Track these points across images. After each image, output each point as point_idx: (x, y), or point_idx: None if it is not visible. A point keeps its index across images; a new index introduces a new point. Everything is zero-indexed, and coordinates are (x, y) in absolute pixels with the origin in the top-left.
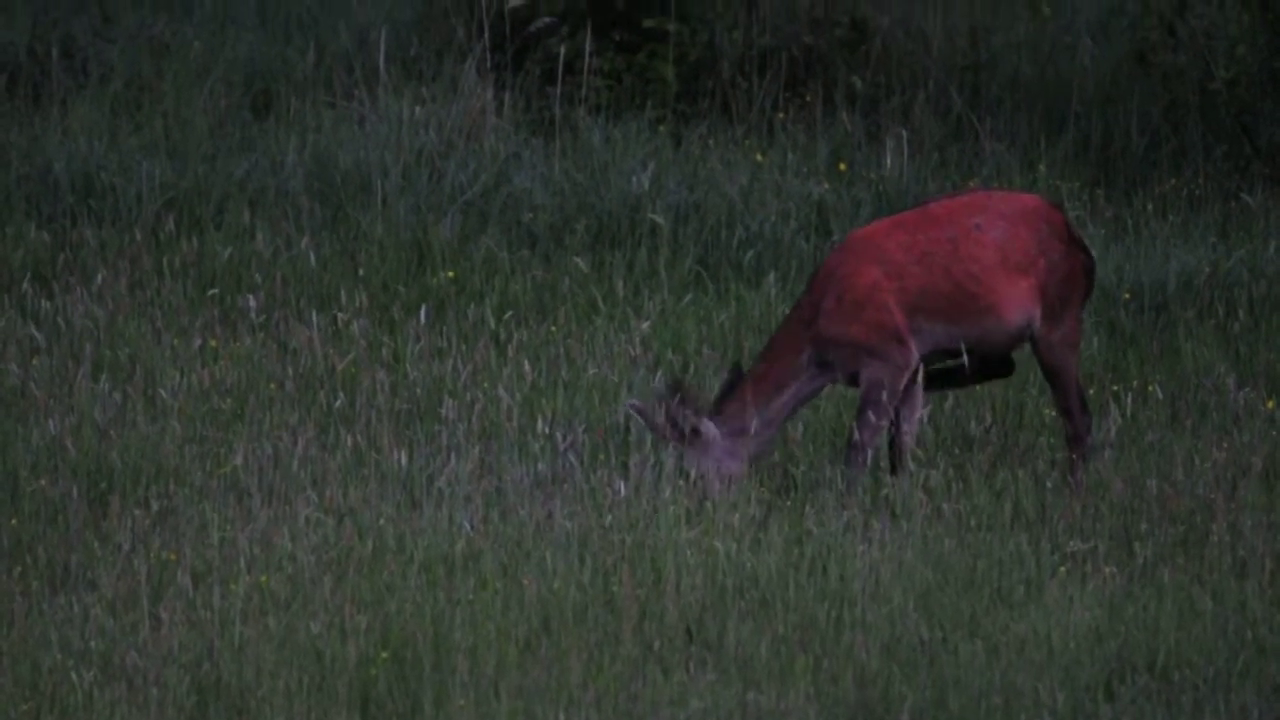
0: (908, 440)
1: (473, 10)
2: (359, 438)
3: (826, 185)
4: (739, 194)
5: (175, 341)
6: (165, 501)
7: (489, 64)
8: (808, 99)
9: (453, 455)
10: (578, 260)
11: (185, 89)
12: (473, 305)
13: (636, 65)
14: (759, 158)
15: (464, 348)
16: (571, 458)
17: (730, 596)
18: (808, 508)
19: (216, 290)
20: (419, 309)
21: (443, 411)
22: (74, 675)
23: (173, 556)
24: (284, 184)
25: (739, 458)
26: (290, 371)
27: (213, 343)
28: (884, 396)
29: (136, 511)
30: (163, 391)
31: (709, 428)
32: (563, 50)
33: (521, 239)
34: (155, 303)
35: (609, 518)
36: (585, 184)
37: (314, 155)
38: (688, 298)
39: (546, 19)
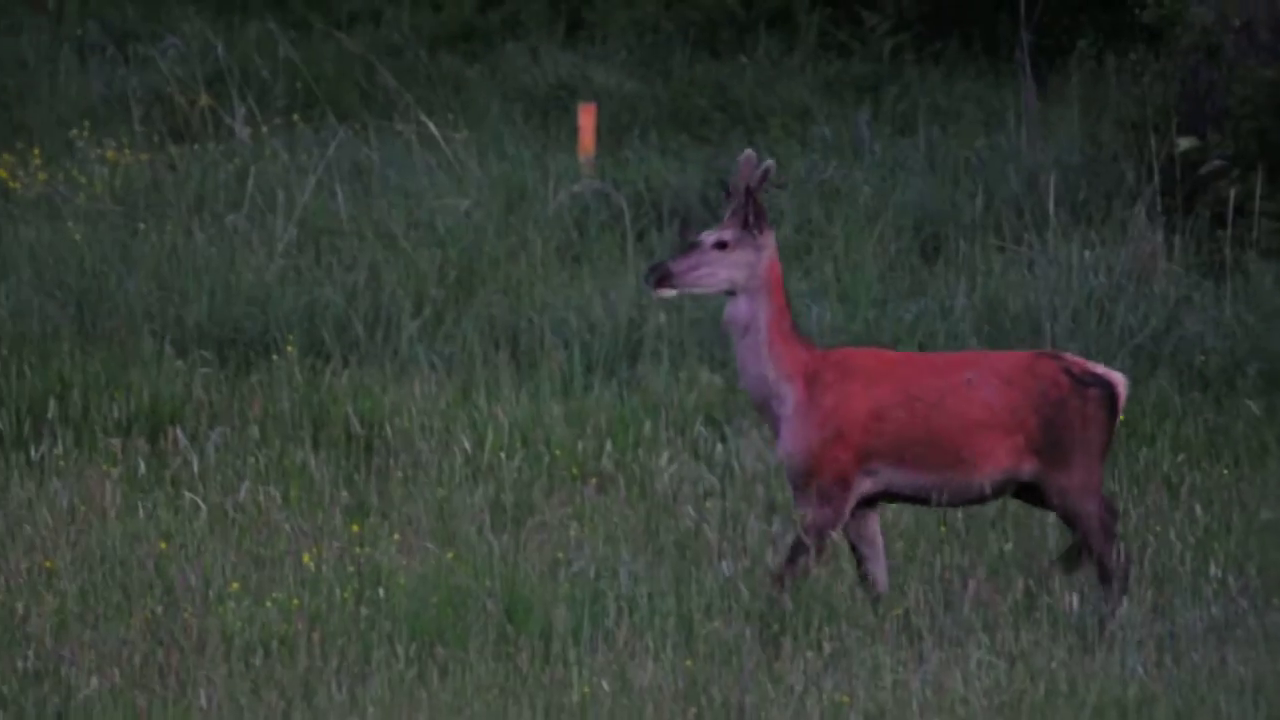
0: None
1: (1142, 154)
2: (1030, 580)
3: None
4: None
5: None
6: (837, 643)
7: (1159, 207)
8: None
9: (1125, 599)
10: (1250, 403)
11: (855, 234)
12: (1144, 448)
13: None
14: None
15: (1135, 491)
16: (1244, 601)
17: None
18: None
19: None
20: None
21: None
22: None
23: (845, 699)
24: (954, 327)
25: (741, 304)
26: (960, 513)
27: None
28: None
29: (809, 653)
30: (835, 536)
31: (770, 241)
32: (1233, 193)
33: (1192, 381)
34: None
35: None
36: (1257, 327)
37: (983, 298)
38: None
39: (1217, 161)
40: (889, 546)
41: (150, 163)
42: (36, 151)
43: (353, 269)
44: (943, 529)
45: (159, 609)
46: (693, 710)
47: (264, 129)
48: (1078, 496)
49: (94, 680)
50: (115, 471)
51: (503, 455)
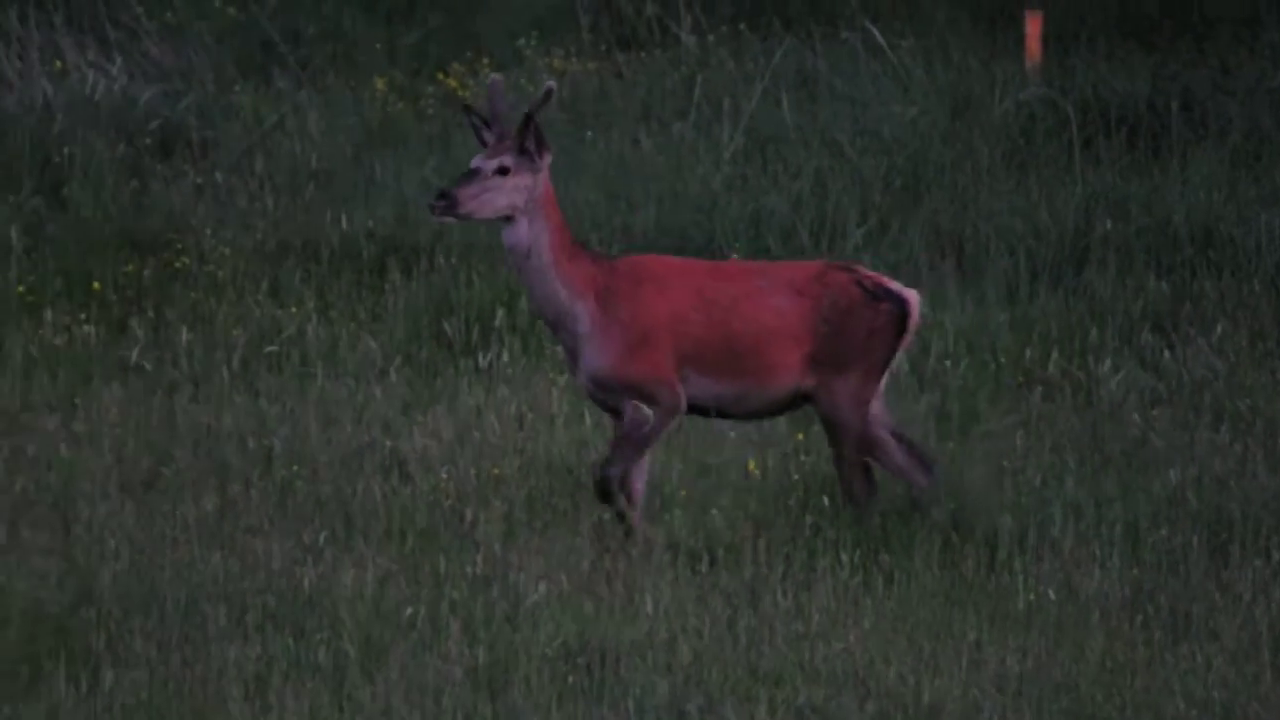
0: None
1: None
2: None
3: None
4: None
5: None
6: None
7: None
8: None
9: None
10: None
11: None
12: None
13: None
14: None
15: None
16: None
17: None
18: None
19: None
20: None
21: None
22: None
23: None
24: None
25: (521, 228)
26: None
27: None
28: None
29: (1257, 562)
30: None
31: (547, 164)
32: None
33: None
34: (1276, 354)
35: None
36: None
37: None
38: None
39: None
40: None
41: (597, 71)
42: (485, 61)
43: (798, 177)
44: None
45: (605, 516)
46: (1139, 619)
47: (710, 37)
48: (846, 407)
49: (541, 586)
50: (562, 379)
51: (948, 363)
